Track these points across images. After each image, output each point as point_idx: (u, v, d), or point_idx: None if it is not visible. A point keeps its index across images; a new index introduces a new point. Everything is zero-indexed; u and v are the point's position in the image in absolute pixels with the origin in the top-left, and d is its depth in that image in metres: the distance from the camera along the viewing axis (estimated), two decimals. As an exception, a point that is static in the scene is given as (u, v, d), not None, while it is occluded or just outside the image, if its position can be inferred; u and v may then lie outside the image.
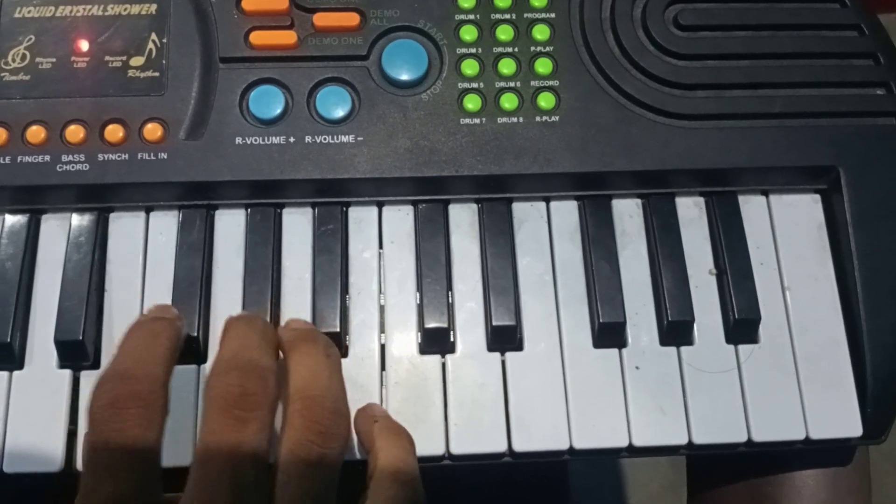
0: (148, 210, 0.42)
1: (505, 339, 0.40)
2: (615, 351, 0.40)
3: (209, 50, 0.42)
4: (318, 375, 0.35)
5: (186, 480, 0.32)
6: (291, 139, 0.41)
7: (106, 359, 0.39)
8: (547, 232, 0.42)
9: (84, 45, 0.42)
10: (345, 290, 0.40)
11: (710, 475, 0.47)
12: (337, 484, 0.34)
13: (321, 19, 0.42)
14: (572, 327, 0.41)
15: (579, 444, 0.39)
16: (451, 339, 0.40)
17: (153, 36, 0.42)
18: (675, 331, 0.41)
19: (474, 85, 0.42)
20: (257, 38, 0.42)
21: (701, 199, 0.43)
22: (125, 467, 0.31)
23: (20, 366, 0.39)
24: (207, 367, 0.39)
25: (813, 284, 0.42)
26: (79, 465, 0.37)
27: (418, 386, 0.39)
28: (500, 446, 0.39)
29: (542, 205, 0.43)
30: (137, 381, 0.32)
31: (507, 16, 0.43)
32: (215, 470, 0.31)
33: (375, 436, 0.36)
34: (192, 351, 0.39)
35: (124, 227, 0.41)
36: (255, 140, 0.41)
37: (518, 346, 0.40)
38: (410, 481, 0.35)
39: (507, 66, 0.43)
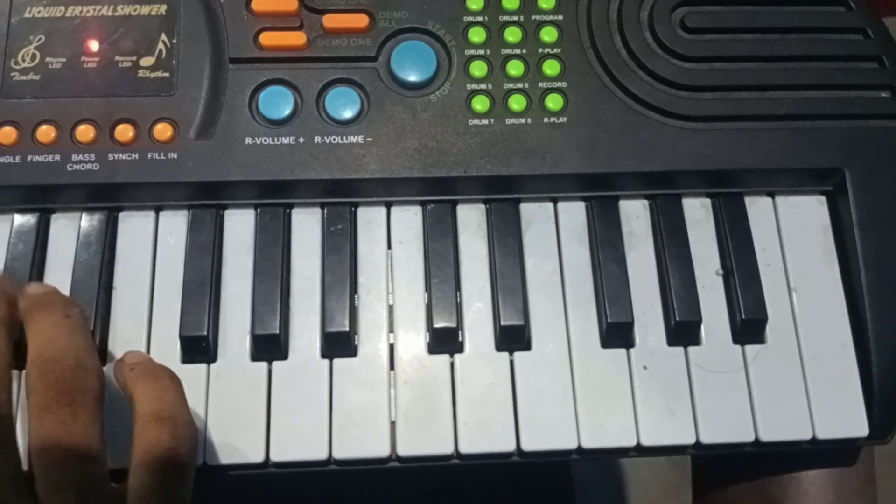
0: (157, 210, 0.42)
1: (513, 338, 0.40)
2: (623, 351, 0.41)
3: (219, 50, 0.42)
4: (55, 338, 0.33)
5: None
6: (301, 139, 0.41)
7: (113, 357, 0.39)
8: (555, 232, 0.42)
9: (94, 45, 0.42)
10: (354, 289, 0.41)
11: (717, 475, 0.48)
12: (103, 437, 0.33)
13: (330, 20, 0.43)
14: (580, 327, 0.41)
15: (588, 444, 0.39)
16: (460, 339, 0.40)
17: (163, 36, 0.42)
18: (683, 331, 0.41)
19: (483, 86, 0.43)
20: (267, 38, 0.42)
21: (707, 201, 0.44)
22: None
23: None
24: (216, 366, 0.39)
25: (819, 285, 0.42)
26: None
27: (427, 385, 0.40)
28: (508, 446, 0.39)
29: (550, 205, 0.43)
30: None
31: (515, 18, 0.44)
32: None
33: (133, 383, 0.35)
34: (202, 350, 0.39)
35: (134, 226, 0.41)
36: (265, 140, 0.41)
37: (526, 345, 0.40)
38: (170, 417, 0.33)
39: (515, 68, 0.43)
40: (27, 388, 0.33)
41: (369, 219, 0.42)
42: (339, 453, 0.38)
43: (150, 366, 0.36)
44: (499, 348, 0.40)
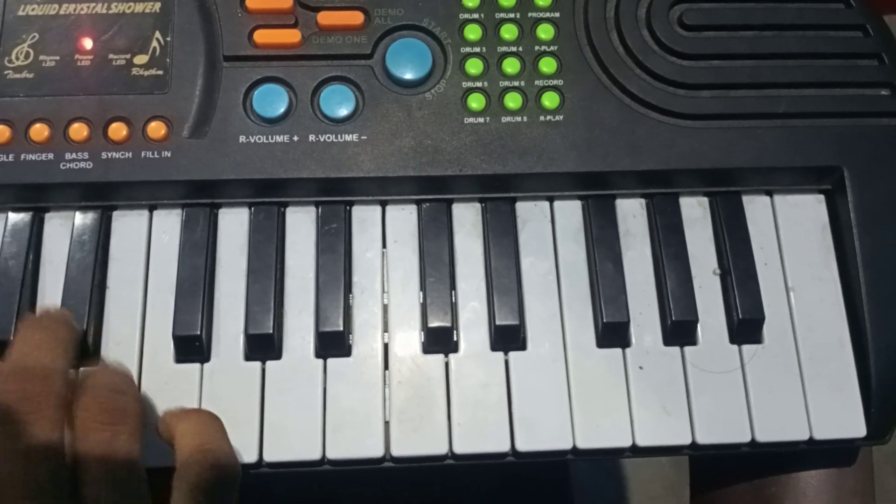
0: (151, 208, 0.42)
1: (508, 338, 0.40)
2: (619, 351, 0.40)
3: (213, 48, 0.42)
4: (100, 369, 0.36)
5: None
6: (295, 138, 0.41)
7: (107, 356, 0.39)
8: (551, 232, 0.42)
9: (88, 43, 0.42)
10: (348, 289, 0.40)
11: (714, 475, 0.47)
12: (142, 468, 0.34)
13: (325, 18, 0.42)
14: (576, 327, 0.41)
15: (583, 444, 0.39)
16: (455, 339, 0.40)
17: (157, 34, 0.42)
18: (679, 331, 0.41)
19: (478, 84, 0.42)
20: (261, 36, 0.42)
21: (705, 199, 0.43)
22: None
23: (23, 364, 0.39)
24: (210, 366, 0.39)
25: (817, 285, 0.42)
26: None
27: (422, 385, 0.39)
28: (503, 446, 0.39)
29: (546, 204, 0.43)
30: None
31: (512, 15, 0.43)
32: (7, 472, 0.31)
33: (173, 424, 0.36)
34: (196, 350, 0.39)
35: (128, 225, 0.41)
36: (259, 139, 0.41)
37: (521, 345, 0.40)
38: (212, 450, 0.34)
39: (511, 66, 0.42)
40: (74, 412, 0.34)
41: (364, 218, 0.42)
42: (333, 453, 0.38)
43: (189, 409, 0.38)
44: (494, 348, 0.40)
